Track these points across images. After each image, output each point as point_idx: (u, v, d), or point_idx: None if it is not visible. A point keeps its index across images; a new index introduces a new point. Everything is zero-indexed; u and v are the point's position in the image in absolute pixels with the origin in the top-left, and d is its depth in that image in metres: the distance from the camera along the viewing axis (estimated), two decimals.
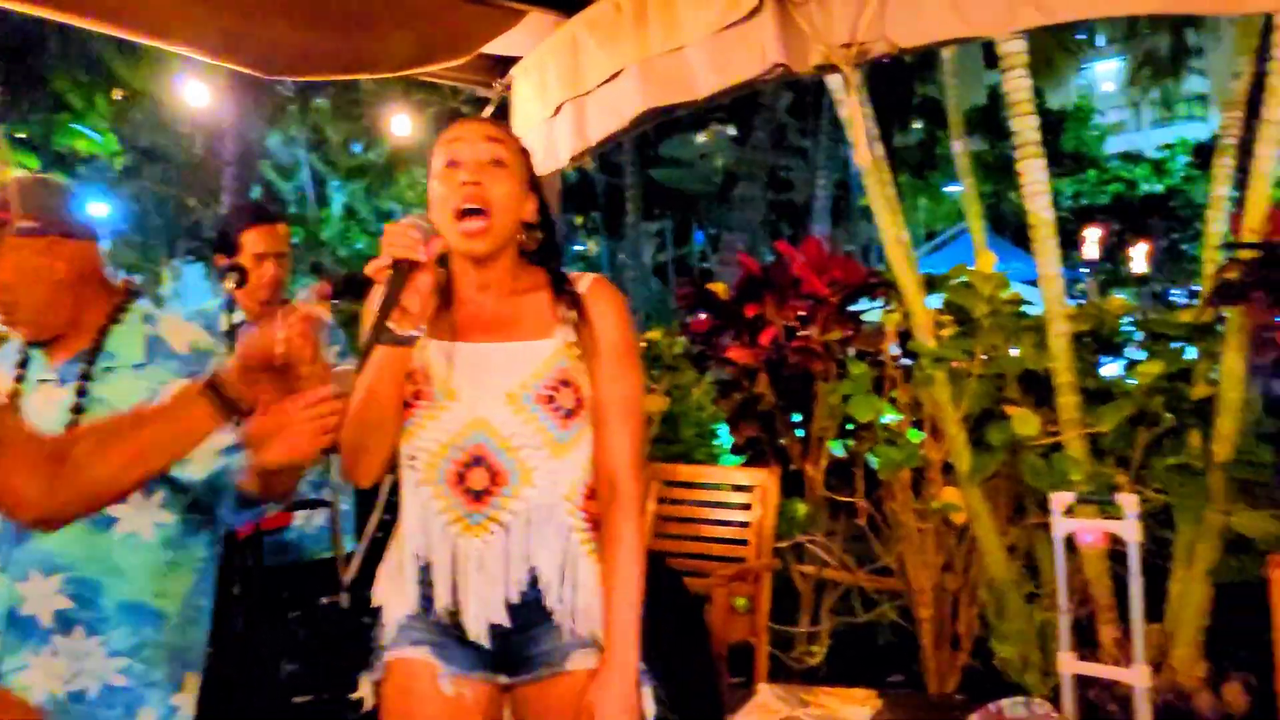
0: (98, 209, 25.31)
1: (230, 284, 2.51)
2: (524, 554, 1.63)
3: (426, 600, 1.67)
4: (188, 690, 1.80)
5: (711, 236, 29.02)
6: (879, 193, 3.80)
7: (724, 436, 4.92)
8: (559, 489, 1.66)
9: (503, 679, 1.69)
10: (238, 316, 2.79)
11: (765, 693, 2.90)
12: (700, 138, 29.77)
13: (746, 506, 3.76)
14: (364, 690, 1.71)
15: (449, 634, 1.66)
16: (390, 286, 1.54)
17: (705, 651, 3.22)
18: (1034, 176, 3.55)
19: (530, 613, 1.64)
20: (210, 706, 1.78)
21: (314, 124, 20.69)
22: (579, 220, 28.70)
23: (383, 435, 1.64)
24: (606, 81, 2.91)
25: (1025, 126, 3.55)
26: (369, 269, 1.56)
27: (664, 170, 27.99)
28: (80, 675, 1.69)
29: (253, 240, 2.73)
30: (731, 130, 27.93)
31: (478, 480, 1.63)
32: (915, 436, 3.89)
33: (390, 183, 22.15)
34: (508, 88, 3.41)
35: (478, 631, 1.64)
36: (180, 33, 2.52)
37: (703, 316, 4.27)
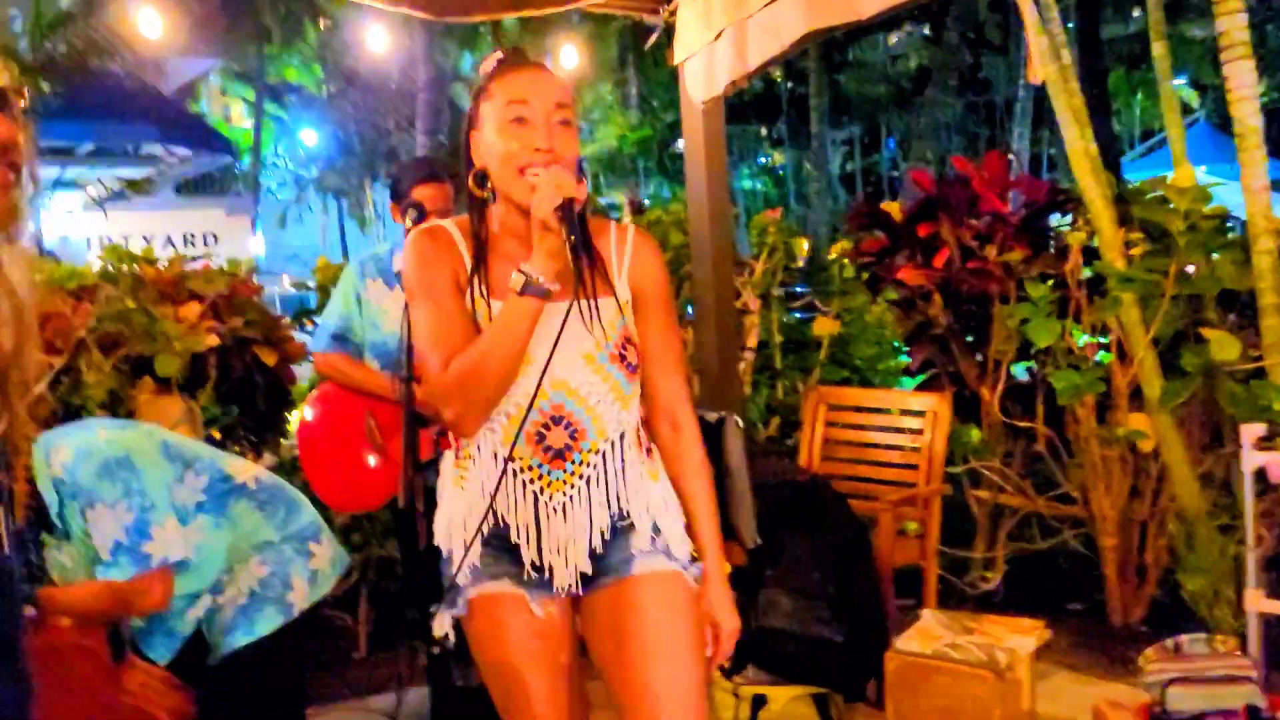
0: (308, 136, 26.81)
1: (408, 221, 2.67)
2: (604, 500, 1.72)
3: (504, 551, 1.73)
4: None
5: (902, 143, 27.91)
6: (1065, 103, 3.60)
7: (906, 355, 4.85)
8: (626, 434, 1.74)
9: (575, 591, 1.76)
10: (400, 258, 2.98)
11: (929, 618, 2.91)
12: (892, 39, 28.45)
13: (917, 431, 3.71)
14: (444, 625, 1.75)
15: (523, 563, 1.73)
16: (572, 227, 1.55)
17: (870, 574, 3.24)
18: (1241, 80, 3.27)
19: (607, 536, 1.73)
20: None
21: (504, 43, 21.01)
22: (763, 131, 28.16)
23: (502, 389, 1.64)
24: (769, 4, 2.86)
25: (1233, 25, 3.27)
26: (542, 212, 1.56)
27: (851, 75, 26.98)
28: None
29: (420, 195, 2.89)
30: (926, 30, 26.59)
31: (557, 439, 1.69)
32: (1106, 360, 3.73)
33: (576, 100, 22.32)
34: (673, 13, 3.40)
35: (565, 584, 1.72)
36: None
37: (876, 236, 4.18)
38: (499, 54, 1.74)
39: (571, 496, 1.70)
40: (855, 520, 3.31)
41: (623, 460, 1.73)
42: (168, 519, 2.12)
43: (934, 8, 20.48)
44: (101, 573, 2.09)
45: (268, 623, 2.25)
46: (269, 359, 3.96)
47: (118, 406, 3.39)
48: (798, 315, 5.05)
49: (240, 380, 3.94)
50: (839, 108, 26.42)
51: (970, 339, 4.09)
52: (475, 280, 1.69)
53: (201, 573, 2.23)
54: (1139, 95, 28.28)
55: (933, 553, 3.58)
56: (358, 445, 2.96)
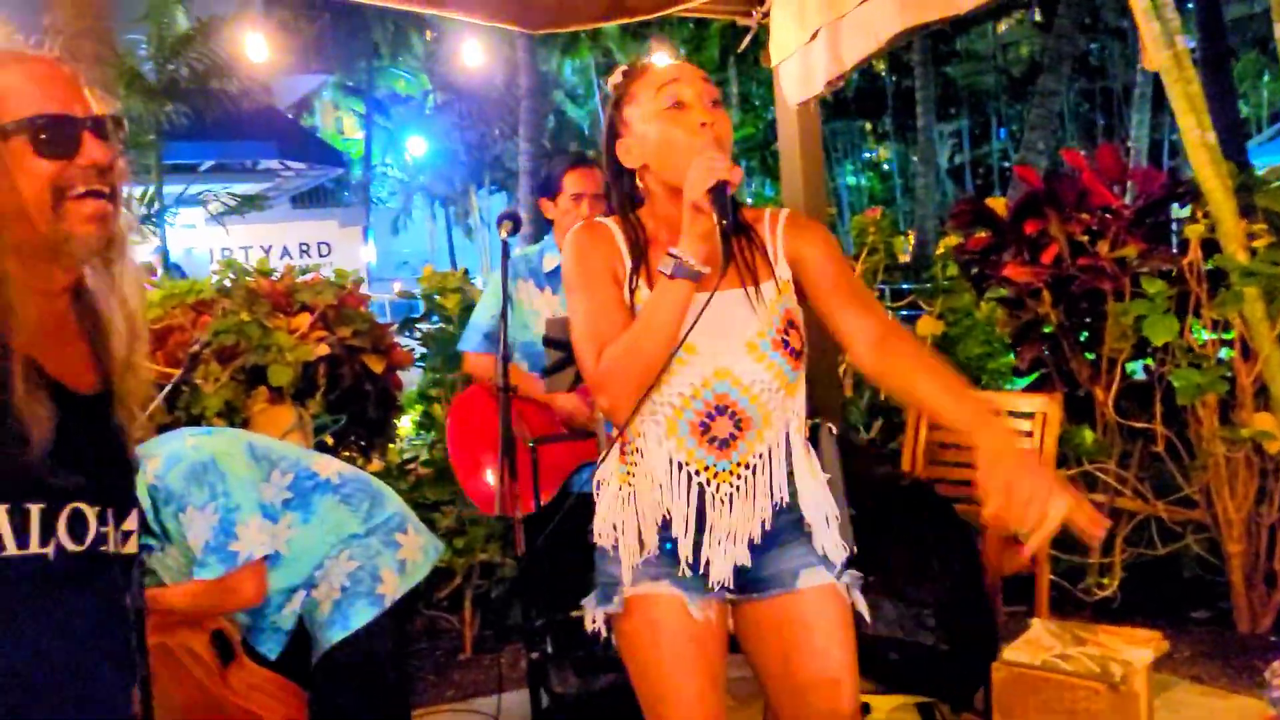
0: (415, 145, 27.49)
1: (503, 232, 2.70)
2: (769, 490, 1.70)
3: (666, 549, 1.72)
4: None
5: (1014, 133, 27.13)
6: (1180, 91, 3.44)
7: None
8: (792, 423, 1.73)
9: (730, 595, 1.75)
10: (551, 259, 3.02)
11: (1039, 628, 2.81)
12: (1001, 26, 27.64)
13: (1026, 433, 3.60)
14: (597, 622, 1.77)
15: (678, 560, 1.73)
16: (724, 210, 1.55)
17: (977, 580, 3.16)
18: None
19: (766, 537, 1.71)
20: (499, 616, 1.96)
21: (605, 48, 21.17)
22: (867, 126, 27.70)
23: (652, 375, 1.63)
24: (863, 2, 2.82)
25: None
26: (694, 194, 1.56)
27: (959, 65, 26.35)
28: None
29: (571, 181, 2.96)
30: (1037, 16, 25.78)
31: (722, 428, 1.68)
32: (1229, 357, 3.56)
33: None
34: (766, 15, 3.37)
35: (721, 578, 1.70)
36: (452, 1, 2.73)
37: (980, 234, 4.07)
38: (624, 67, 1.79)
39: (738, 487, 1.69)
40: (961, 525, 3.22)
41: (788, 450, 1.72)
42: (252, 518, 2.20)
43: None
44: (196, 573, 2.19)
45: (360, 616, 2.31)
46: (376, 366, 4.08)
47: (234, 416, 3.52)
48: (904, 314, 4.95)
49: (349, 388, 4.06)
50: (947, 99, 25.86)
51: (1082, 337, 3.95)
52: (634, 276, 1.71)
53: (295, 567, 2.31)
54: (1266, 77, 26.93)
55: (1044, 559, 3.45)
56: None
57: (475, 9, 2.82)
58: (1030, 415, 3.59)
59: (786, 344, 1.69)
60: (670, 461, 1.68)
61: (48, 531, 1.19)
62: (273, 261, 4.22)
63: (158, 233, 13.18)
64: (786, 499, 1.71)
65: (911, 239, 20.92)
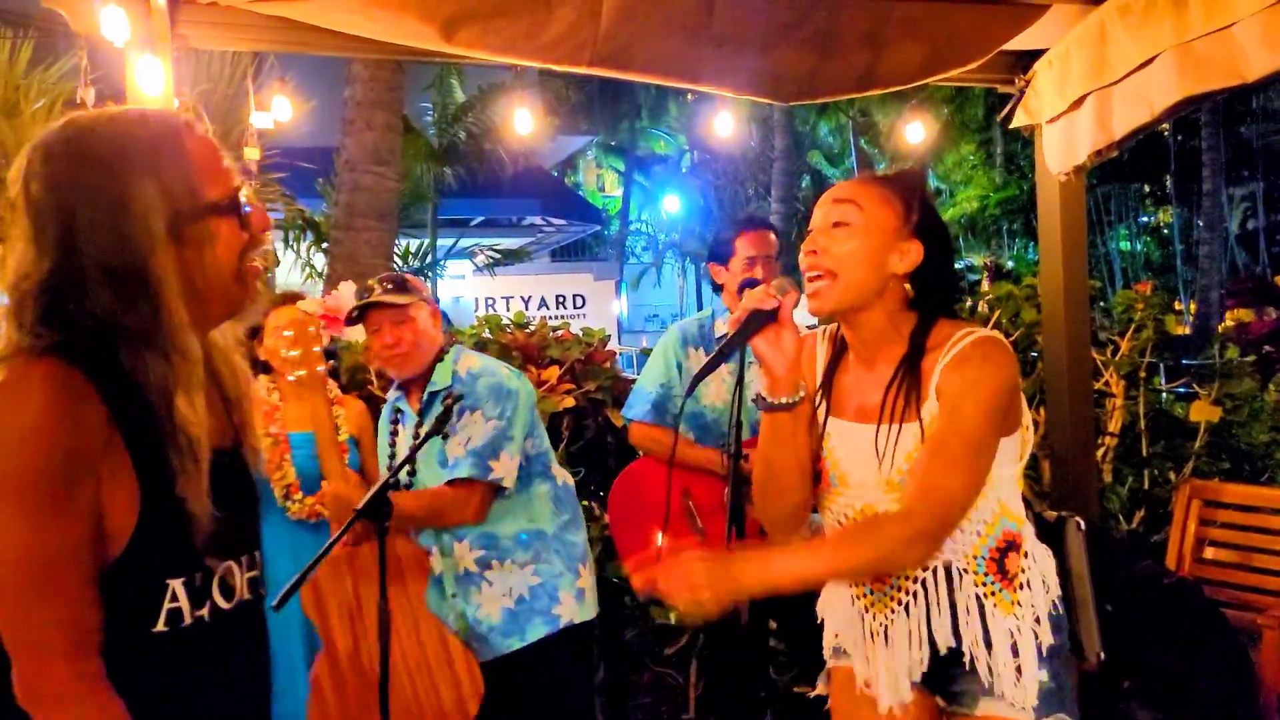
0: (670, 203, 28.30)
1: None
2: (925, 630, 1.65)
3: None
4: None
5: None
6: None
7: None
8: (956, 560, 1.64)
9: (939, 700, 1.72)
10: (723, 325, 3.02)
11: None
12: None
13: None
14: (822, 688, 1.85)
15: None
16: (738, 331, 1.59)
17: (1251, 696, 2.85)
18: None
19: (949, 660, 1.67)
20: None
21: (862, 108, 21.03)
22: (1145, 188, 25.97)
23: (785, 495, 1.70)
24: (1135, 70, 2.66)
25: None
26: (730, 320, 1.64)
27: (1255, 125, 24.32)
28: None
29: (744, 245, 2.99)
30: None
31: None
32: None
33: (937, 162, 21.90)
34: (1028, 83, 3.25)
35: (890, 703, 1.70)
36: (706, 75, 2.82)
37: (1270, 315, 3.72)
38: None
39: (892, 620, 1.69)
40: (1232, 632, 2.93)
41: (951, 589, 1.65)
42: (515, 453, 2.46)
43: None
44: (449, 469, 2.43)
45: (535, 631, 2.50)
46: (618, 420, 4.19)
47: None
48: (1179, 391, 4.56)
49: (592, 440, 4.20)
50: (1239, 160, 23.85)
51: None
52: (819, 391, 1.76)
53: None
54: None
55: None
56: (674, 528, 2.89)
57: (727, 83, 2.90)
58: None
59: None
60: (837, 582, 1.78)
61: (204, 595, 1.24)
62: (531, 311, 4.46)
63: (430, 283, 14.23)
64: (952, 644, 1.64)
65: (1193, 309, 19.37)
